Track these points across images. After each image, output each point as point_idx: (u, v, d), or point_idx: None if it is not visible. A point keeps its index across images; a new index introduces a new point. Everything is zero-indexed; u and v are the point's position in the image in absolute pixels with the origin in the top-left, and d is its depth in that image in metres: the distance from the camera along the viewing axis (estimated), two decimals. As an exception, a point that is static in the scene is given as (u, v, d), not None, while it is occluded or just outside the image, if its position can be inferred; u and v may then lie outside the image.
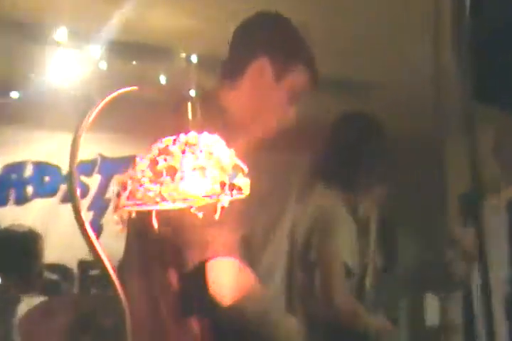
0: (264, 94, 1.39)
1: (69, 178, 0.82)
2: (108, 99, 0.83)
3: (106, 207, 3.48)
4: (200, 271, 1.16)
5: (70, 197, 0.80)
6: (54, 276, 3.42)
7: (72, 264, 3.47)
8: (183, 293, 1.22)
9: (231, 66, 1.41)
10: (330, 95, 2.99)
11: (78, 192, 0.83)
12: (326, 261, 1.78)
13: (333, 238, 1.80)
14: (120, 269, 1.18)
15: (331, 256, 1.78)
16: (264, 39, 1.39)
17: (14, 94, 2.89)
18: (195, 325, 1.23)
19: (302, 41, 1.42)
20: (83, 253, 3.60)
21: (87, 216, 0.83)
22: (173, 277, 1.22)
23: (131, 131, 3.40)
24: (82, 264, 3.47)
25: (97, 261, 0.80)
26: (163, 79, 2.51)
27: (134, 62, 2.57)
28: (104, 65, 2.56)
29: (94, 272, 3.43)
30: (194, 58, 2.60)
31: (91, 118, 0.82)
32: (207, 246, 1.14)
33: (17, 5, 2.33)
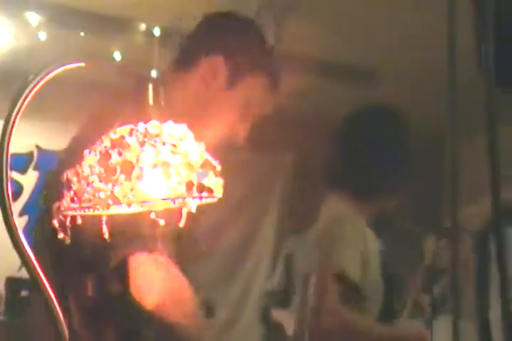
0: (212, 98, 1.44)
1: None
2: (48, 77, 0.82)
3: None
4: (121, 269, 1.22)
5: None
6: (-25, 297, 3.38)
7: (-2, 283, 3.44)
8: (99, 299, 1.28)
9: (186, 55, 1.50)
10: (329, 82, 3.03)
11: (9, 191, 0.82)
12: (321, 268, 1.91)
13: (335, 247, 1.90)
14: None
15: (327, 263, 1.90)
16: (225, 39, 1.49)
17: None
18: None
19: (267, 52, 1.52)
20: (12, 269, 3.58)
21: (19, 222, 0.82)
22: (90, 284, 1.28)
23: (76, 119, 3.36)
24: (11, 283, 3.43)
25: (32, 278, 0.79)
26: (117, 56, 2.50)
27: (82, 34, 2.55)
28: (43, 36, 2.54)
29: (26, 293, 3.39)
30: (157, 31, 2.60)
31: (26, 101, 0.81)
32: (132, 241, 1.20)
33: None
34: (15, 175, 3.43)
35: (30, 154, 3.49)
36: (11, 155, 0.80)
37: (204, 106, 1.43)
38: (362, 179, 1.97)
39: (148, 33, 2.58)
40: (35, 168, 3.54)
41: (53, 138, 3.50)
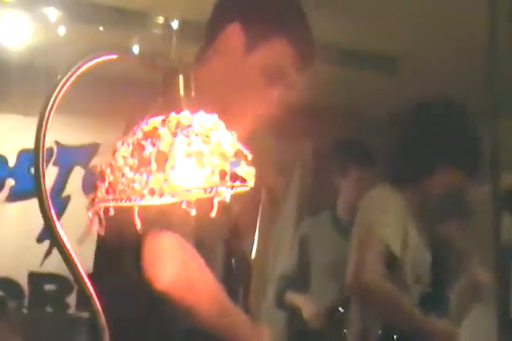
0: (233, 68, 1.38)
1: (36, 170, 0.83)
2: (81, 70, 0.83)
3: (64, 208, 3.48)
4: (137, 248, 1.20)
5: (36, 190, 0.81)
6: (-2, 292, 3.42)
7: (21, 278, 3.46)
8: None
9: (205, 34, 1.44)
10: (349, 70, 3.03)
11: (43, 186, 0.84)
12: (364, 237, 1.98)
13: (378, 217, 1.99)
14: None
15: (370, 233, 1.97)
16: (239, 2, 1.43)
17: None
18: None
19: (291, 12, 1.43)
20: (35, 264, 3.59)
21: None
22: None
23: (95, 113, 3.39)
24: (34, 277, 3.46)
25: (72, 271, 0.81)
26: (136, 49, 2.51)
27: (101, 28, 2.56)
28: (63, 31, 2.55)
29: (49, 287, 3.42)
30: (175, 24, 2.60)
31: (60, 95, 0.82)
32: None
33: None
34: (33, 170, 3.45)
35: (50, 150, 3.51)
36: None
37: (226, 79, 1.37)
38: (422, 175, 2.03)
39: (167, 25, 2.59)
40: (55, 164, 3.57)
41: (72, 134, 3.53)
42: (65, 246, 0.81)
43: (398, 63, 3.08)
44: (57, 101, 0.82)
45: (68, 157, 3.59)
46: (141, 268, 1.18)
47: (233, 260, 1.42)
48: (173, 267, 1.20)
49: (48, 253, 3.35)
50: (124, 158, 0.82)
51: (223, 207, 0.85)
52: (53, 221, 0.81)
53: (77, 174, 3.60)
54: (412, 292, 2.02)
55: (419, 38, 2.83)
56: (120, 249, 1.25)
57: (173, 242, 1.20)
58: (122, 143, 0.84)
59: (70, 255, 0.81)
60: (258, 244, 1.51)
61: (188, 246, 1.22)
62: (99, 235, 1.33)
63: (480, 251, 2.10)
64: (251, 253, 1.57)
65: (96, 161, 3.55)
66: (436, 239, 2.15)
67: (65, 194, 3.56)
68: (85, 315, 3.18)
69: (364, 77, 3.16)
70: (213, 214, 0.87)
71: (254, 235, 1.54)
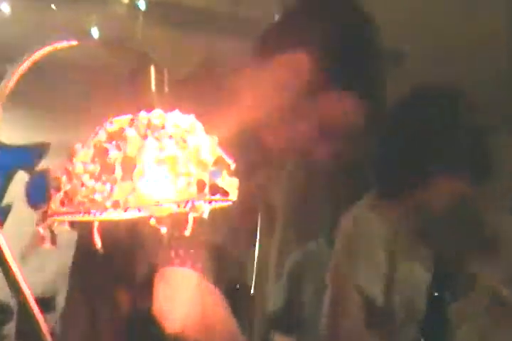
0: (288, 90, 1.42)
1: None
2: (35, 57, 0.83)
3: (4, 219, 3.44)
4: (148, 285, 1.22)
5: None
6: None
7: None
8: (129, 317, 1.30)
9: (264, 46, 1.47)
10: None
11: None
12: (336, 283, 1.93)
13: (352, 258, 1.92)
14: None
15: (343, 278, 1.91)
16: (320, 33, 1.42)
17: None
18: None
19: (366, 70, 1.45)
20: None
21: None
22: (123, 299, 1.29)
23: (45, 108, 3.37)
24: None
25: (17, 296, 0.80)
26: (95, 32, 2.50)
27: (53, 6, 2.55)
28: (7, 8, 2.54)
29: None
30: (142, 4, 2.60)
31: (10, 84, 0.82)
32: (160, 252, 1.19)
33: None
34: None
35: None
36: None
37: (276, 93, 1.42)
38: (415, 181, 1.95)
39: (132, 5, 2.58)
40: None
41: (16, 131, 3.51)
42: (11, 267, 0.80)
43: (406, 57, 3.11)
44: (5, 95, 0.81)
45: (10, 158, 3.56)
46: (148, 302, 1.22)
47: (236, 293, 1.44)
48: (187, 308, 1.23)
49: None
50: (84, 163, 0.81)
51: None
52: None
53: (21, 179, 3.57)
54: (402, 331, 1.99)
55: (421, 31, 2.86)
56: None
57: (189, 278, 1.23)
58: (82, 146, 0.83)
59: (15, 275, 0.81)
60: (257, 275, 1.51)
61: (204, 281, 1.25)
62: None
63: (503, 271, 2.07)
64: (251, 287, 1.58)
65: (44, 164, 3.53)
66: (444, 262, 2.12)
67: (5, 202, 3.53)
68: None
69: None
70: (188, 233, 0.86)
71: (253, 265, 1.55)
